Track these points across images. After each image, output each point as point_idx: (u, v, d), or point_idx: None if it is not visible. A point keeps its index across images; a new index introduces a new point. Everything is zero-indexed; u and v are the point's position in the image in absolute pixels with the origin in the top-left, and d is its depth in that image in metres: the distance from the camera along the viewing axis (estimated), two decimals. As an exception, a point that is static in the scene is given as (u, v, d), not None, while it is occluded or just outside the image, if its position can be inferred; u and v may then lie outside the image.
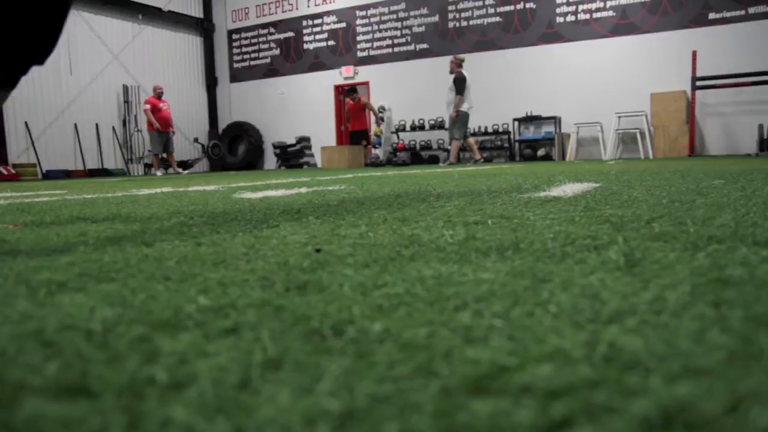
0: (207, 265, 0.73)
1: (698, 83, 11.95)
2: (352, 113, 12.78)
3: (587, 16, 13.83)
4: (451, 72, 10.78)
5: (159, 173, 11.45)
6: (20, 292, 0.62)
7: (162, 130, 11.84)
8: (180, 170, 12.30)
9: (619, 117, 12.98)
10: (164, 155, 12.28)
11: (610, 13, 13.59)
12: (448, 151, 14.12)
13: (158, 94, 11.92)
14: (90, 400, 0.32)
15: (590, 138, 13.38)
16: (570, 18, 13.43)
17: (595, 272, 0.59)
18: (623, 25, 13.48)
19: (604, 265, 0.62)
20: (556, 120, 13.42)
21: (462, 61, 10.66)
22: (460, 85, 10.60)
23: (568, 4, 13.92)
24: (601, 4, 13.74)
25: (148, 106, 11.72)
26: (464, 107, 10.56)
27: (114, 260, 0.81)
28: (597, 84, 13.64)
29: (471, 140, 10.97)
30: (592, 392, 0.28)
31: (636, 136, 12.82)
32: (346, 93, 12.68)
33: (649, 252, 0.69)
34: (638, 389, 0.28)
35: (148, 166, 15.81)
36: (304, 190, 2.49)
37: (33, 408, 0.30)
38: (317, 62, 16.71)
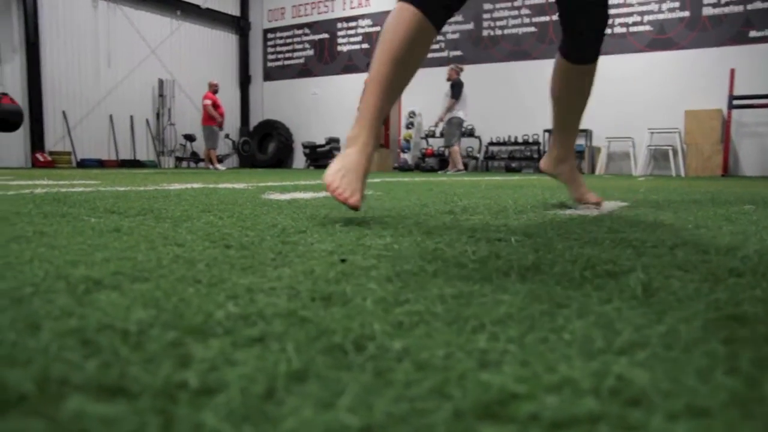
0: (236, 270, 0.76)
1: (735, 102, 11.75)
2: None
3: (624, 29, 13.70)
4: (449, 79, 10.81)
5: (222, 167, 11.61)
6: (60, 287, 0.65)
7: (219, 125, 12.07)
8: (219, 166, 12.48)
9: (652, 133, 12.82)
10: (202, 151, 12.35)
11: (648, 27, 13.43)
12: (476, 158, 14.08)
13: (214, 90, 12.12)
14: (128, 400, 0.34)
15: (621, 153, 13.24)
16: (606, 32, 13.26)
17: (612, 300, 0.60)
18: (660, 40, 13.31)
19: (621, 293, 0.64)
20: (587, 133, 13.31)
21: (461, 70, 10.73)
22: (457, 90, 10.63)
23: (606, 16, 13.70)
24: (639, 18, 13.59)
25: (209, 102, 11.90)
26: (459, 113, 10.57)
27: (147, 259, 0.84)
28: (630, 99, 13.49)
29: (456, 148, 10.95)
30: (595, 426, 0.30)
31: (668, 153, 12.65)
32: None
33: (668, 282, 0.70)
34: (639, 426, 0.30)
35: (179, 159, 16.04)
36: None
37: (77, 405, 0.33)
38: (350, 64, 16.80)
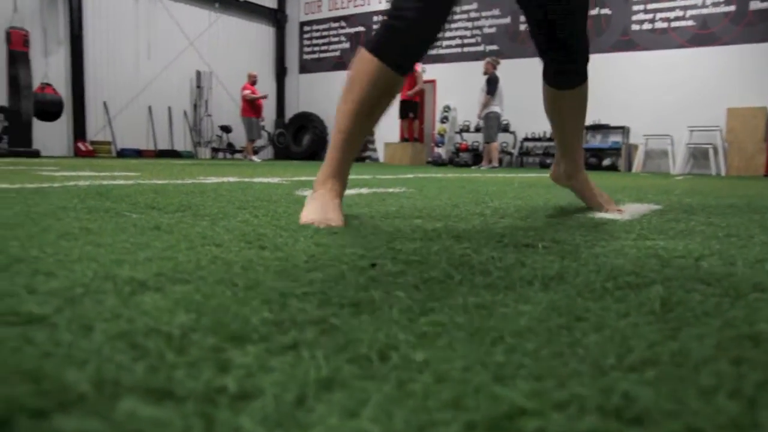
0: (270, 273, 0.80)
1: (780, 100, 11.40)
2: (405, 83, 12.72)
3: (665, 24, 13.41)
4: (486, 73, 10.75)
5: (257, 159, 11.79)
6: (108, 287, 0.70)
7: (258, 116, 12.24)
8: (249, 157, 12.65)
9: (692, 131, 12.55)
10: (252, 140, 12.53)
11: (690, 22, 13.13)
12: (510, 154, 13.96)
13: (253, 81, 12.29)
14: (175, 403, 0.38)
15: (659, 151, 13.00)
16: (647, 26, 13.07)
17: (630, 315, 0.62)
18: (703, 35, 13.00)
19: (640, 307, 0.66)
20: (624, 130, 13.10)
21: (498, 63, 10.66)
22: (492, 85, 10.57)
23: (646, 11, 13.53)
24: (681, 13, 13.29)
25: (248, 92, 12.08)
26: (495, 108, 10.51)
27: (187, 259, 0.89)
28: (670, 95, 13.21)
29: (495, 145, 10.89)
30: (594, 445, 0.33)
31: (708, 151, 12.38)
32: None
33: (688, 296, 0.72)
34: (635, 445, 0.33)
35: (215, 150, 16.27)
36: (364, 190, 2.56)
37: (130, 406, 0.37)
38: (386, 58, 16.71)
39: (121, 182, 2.80)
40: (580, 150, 1.94)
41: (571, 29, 1.67)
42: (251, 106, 11.99)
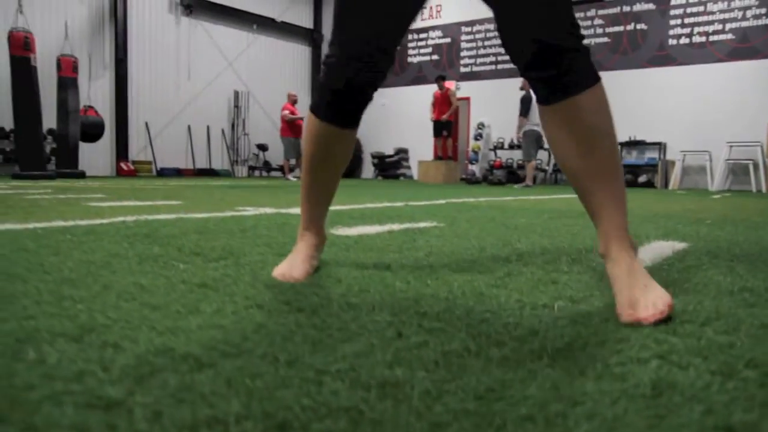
0: (307, 344, 0.90)
1: (821, 116, 11.20)
2: (438, 103, 13.00)
3: (703, 38, 13.27)
4: (522, 88, 10.81)
5: (293, 179, 12.09)
6: (167, 364, 0.81)
7: (297, 136, 12.54)
8: (289, 177, 12.91)
9: (731, 146, 12.37)
10: (293, 162, 12.84)
11: (729, 36, 12.97)
12: (544, 171, 13.91)
13: (293, 101, 12.59)
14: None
15: (697, 167, 12.84)
16: (684, 40, 12.94)
17: (622, 398, 0.71)
18: (743, 49, 12.82)
19: (634, 389, 0.74)
20: (660, 146, 12.98)
21: None
22: (525, 105, 10.62)
23: (683, 26, 13.41)
24: (720, 27, 13.14)
25: (286, 112, 12.39)
26: (532, 127, 10.53)
27: (234, 326, 1.00)
28: (708, 110, 13.04)
29: (532, 163, 10.91)
30: None
31: (749, 167, 12.17)
32: (435, 80, 13.04)
33: (682, 373, 0.80)
34: None
35: (251, 168, 16.57)
36: (396, 226, 2.66)
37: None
38: (420, 76, 16.93)
39: (164, 216, 2.96)
40: (615, 214, 1.20)
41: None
42: (290, 127, 12.25)
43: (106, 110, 13.58)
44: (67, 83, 10.41)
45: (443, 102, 12.30)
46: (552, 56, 1.16)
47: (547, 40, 1.15)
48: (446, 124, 12.46)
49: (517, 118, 10.66)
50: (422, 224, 2.82)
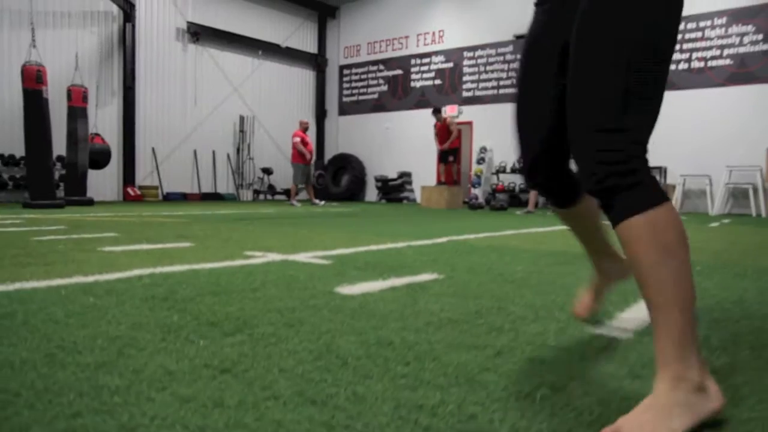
0: (319, 449, 1.05)
1: (818, 143, 11.35)
2: (440, 133, 13.40)
3: (701, 64, 13.48)
4: None
5: (297, 204, 12.34)
6: (202, 474, 0.95)
7: (308, 163, 12.80)
8: (317, 201, 13.18)
9: (731, 170, 12.51)
10: (301, 186, 13.16)
11: (728, 61, 13.17)
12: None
13: (304, 128, 12.88)
14: None
15: (697, 191, 12.98)
16: (683, 66, 13.15)
17: None
18: (741, 74, 13.03)
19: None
20: (660, 170, 13.11)
21: None
22: None
23: (682, 51, 13.62)
24: (718, 52, 13.35)
25: (298, 139, 12.66)
26: None
27: (255, 425, 1.14)
28: (708, 135, 13.22)
29: (534, 192, 11.11)
30: None
31: (748, 191, 12.31)
32: (432, 113, 13.49)
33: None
34: None
35: (257, 192, 16.77)
36: (398, 282, 2.80)
37: None
38: (423, 100, 17.16)
39: (177, 268, 3.11)
40: (667, 346, 1.15)
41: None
42: (301, 154, 12.49)
43: (113, 136, 13.82)
44: (77, 113, 10.63)
45: (444, 131, 12.64)
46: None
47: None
48: (452, 151, 12.76)
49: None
50: (423, 277, 2.96)
